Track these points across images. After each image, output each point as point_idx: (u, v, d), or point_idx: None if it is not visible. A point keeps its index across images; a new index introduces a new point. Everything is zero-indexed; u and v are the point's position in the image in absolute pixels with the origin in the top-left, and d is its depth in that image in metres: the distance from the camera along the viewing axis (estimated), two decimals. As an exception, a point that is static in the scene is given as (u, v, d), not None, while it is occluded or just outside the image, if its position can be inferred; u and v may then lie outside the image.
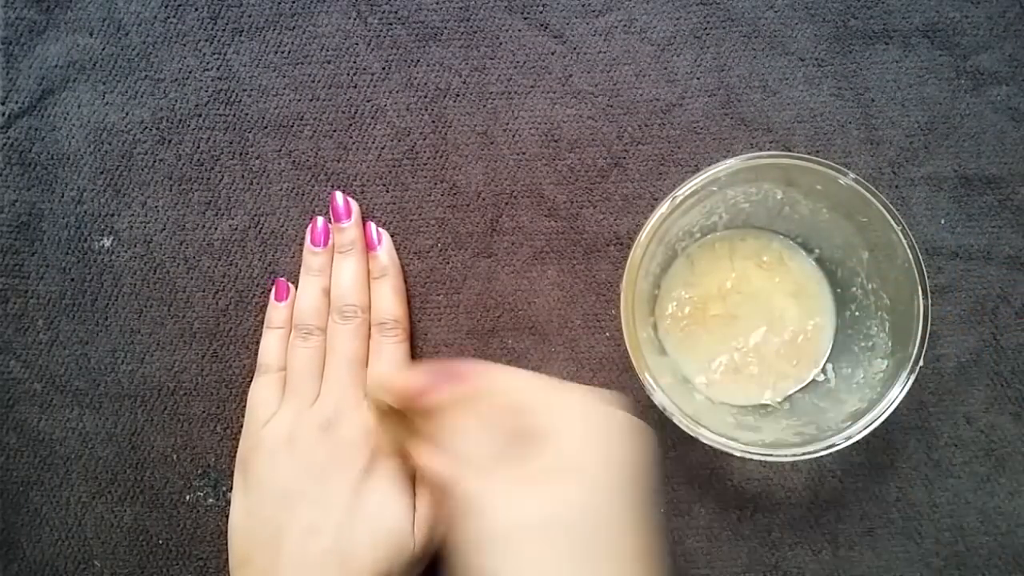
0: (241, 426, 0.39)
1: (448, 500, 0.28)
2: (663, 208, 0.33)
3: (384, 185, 0.41)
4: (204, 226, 0.41)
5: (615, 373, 0.40)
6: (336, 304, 0.39)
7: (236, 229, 0.41)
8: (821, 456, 0.32)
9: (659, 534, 0.27)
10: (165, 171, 0.41)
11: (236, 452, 0.39)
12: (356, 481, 0.36)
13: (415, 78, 0.41)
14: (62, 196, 0.41)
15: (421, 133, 0.41)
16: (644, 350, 0.33)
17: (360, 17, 0.41)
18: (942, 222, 0.40)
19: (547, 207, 0.41)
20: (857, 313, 0.37)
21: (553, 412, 0.28)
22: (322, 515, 0.35)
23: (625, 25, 0.41)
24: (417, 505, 0.36)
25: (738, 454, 0.32)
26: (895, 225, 0.33)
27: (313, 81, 0.41)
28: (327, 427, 0.37)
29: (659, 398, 0.33)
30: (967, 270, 0.40)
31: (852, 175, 0.33)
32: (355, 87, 0.41)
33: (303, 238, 0.40)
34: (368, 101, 0.41)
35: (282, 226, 0.41)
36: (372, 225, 0.40)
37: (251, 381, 0.39)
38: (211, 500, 0.40)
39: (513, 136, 0.41)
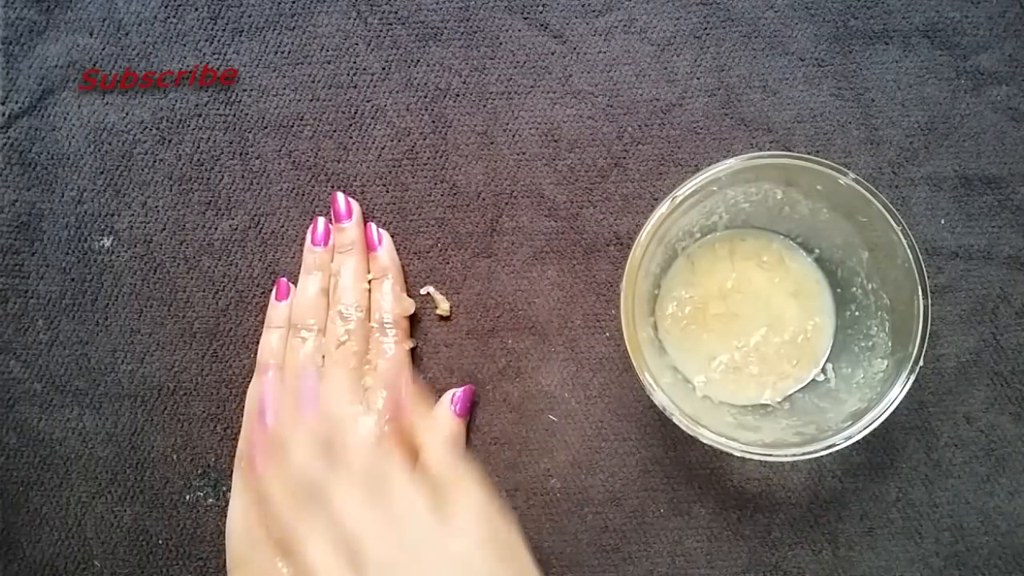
0: (241, 426, 0.39)
1: None
2: (663, 208, 0.33)
3: (384, 185, 0.41)
4: (204, 226, 0.41)
5: (615, 373, 0.40)
6: (335, 304, 0.39)
7: (236, 229, 0.41)
8: (821, 456, 0.32)
9: None
10: (165, 171, 0.41)
11: (236, 452, 0.39)
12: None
13: (415, 78, 0.41)
14: (62, 196, 0.41)
15: (421, 133, 0.41)
16: (644, 350, 0.33)
17: (360, 17, 0.41)
18: (942, 222, 0.40)
19: (547, 207, 0.41)
20: (857, 313, 0.37)
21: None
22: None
23: (625, 25, 0.41)
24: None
25: (738, 454, 0.32)
26: (895, 225, 0.33)
27: (313, 81, 0.41)
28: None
29: (659, 398, 0.33)
30: (967, 270, 0.40)
31: (852, 175, 0.33)
32: (355, 87, 0.41)
33: (303, 238, 0.40)
34: (368, 101, 0.41)
35: (282, 226, 0.41)
36: (373, 226, 0.40)
37: (251, 381, 0.39)
38: (211, 500, 0.40)
39: (513, 136, 0.41)
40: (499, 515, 0.32)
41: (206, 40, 0.41)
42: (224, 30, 0.41)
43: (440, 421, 0.38)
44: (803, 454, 0.32)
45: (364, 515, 0.30)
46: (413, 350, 0.40)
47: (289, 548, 0.31)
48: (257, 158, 0.41)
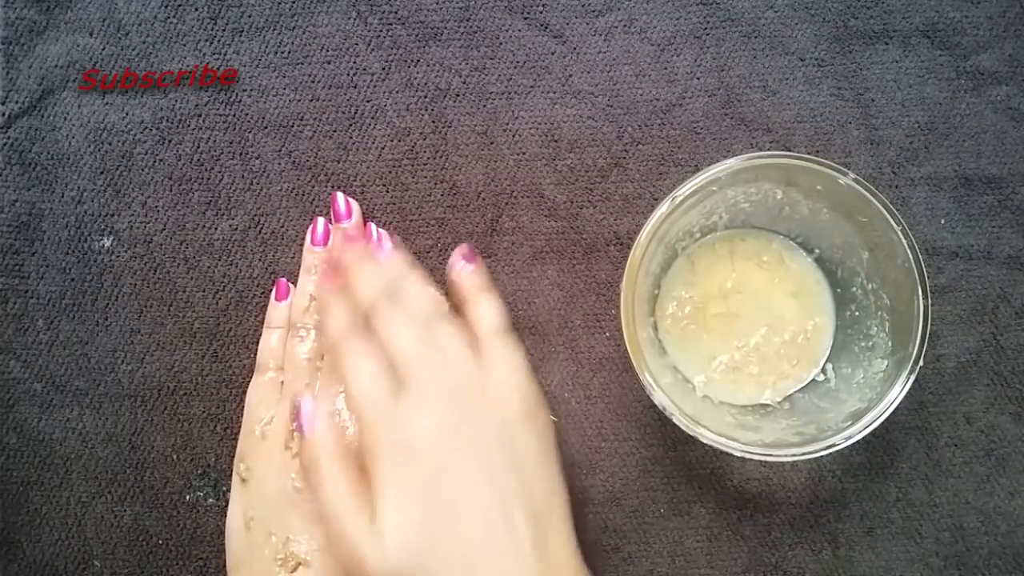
0: (241, 426, 0.39)
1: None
2: (663, 208, 0.33)
3: (384, 185, 0.41)
4: (204, 226, 0.41)
5: (615, 373, 0.40)
6: (336, 304, 0.39)
7: (236, 229, 0.41)
8: (821, 456, 0.32)
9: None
10: (165, 171, 0.41)
11: (236, 452, 0.39)
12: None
13: (415, 78, 0.41)
14: (62, 196, 0.41)
15: (421, 133, 0.41)
16: (644, 350, 0.33)
17: (360, 17, 0.41)
18: (942, 222, 0.40)
19: (547, 207, 0.41)
20: (857, 313, 0.37)
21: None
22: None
23: (625, 25, 0.41)
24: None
25: (738, 454, 0.32)
26: (895, 225, 0.33)
27: (313, 81, 0.41)
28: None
29: (659, 398, 0.33)
30: (967, 270, 0.40)
31: (852, 175, 0.33)
32: (355, 87, 0.41)
33: (303, 238, 0.40)
34: (368, 101, 0.41)
35: (282, 226, 0.41)
36: (372, 226, 0.40)
37: (251, 381, 0.39)
38: (211, 500, 0.40)
39: (513, 136, 0.41)
40: (536, 391, 0.32)
41: (206, 40, 0.41)
42: (224, 30, 0.41)
43: (460, 281, 0.37)
44: (803, 454, 0.32)
45: (411, 344, 0.31)
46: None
47: (337, 370, 0.32)
48: (257, 158, 0.41)
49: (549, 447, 0.31)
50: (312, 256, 0.40)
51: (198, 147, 0.41)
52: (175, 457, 0.40)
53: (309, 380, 0.38)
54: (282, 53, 0.41)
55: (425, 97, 0.41)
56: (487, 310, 0.34)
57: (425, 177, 0.41)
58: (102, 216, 0.41)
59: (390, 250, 0.36)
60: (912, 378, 0.33)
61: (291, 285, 0.40)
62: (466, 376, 0.31)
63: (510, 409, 0.30)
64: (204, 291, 0.41)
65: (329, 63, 0.41)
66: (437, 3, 0.41)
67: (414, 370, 0.30)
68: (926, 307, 0.33)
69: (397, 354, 0.31)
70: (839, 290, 0.38)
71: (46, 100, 0.41)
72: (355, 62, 0.41)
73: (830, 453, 0.32)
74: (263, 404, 0.38)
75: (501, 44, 0.41)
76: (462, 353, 0.31)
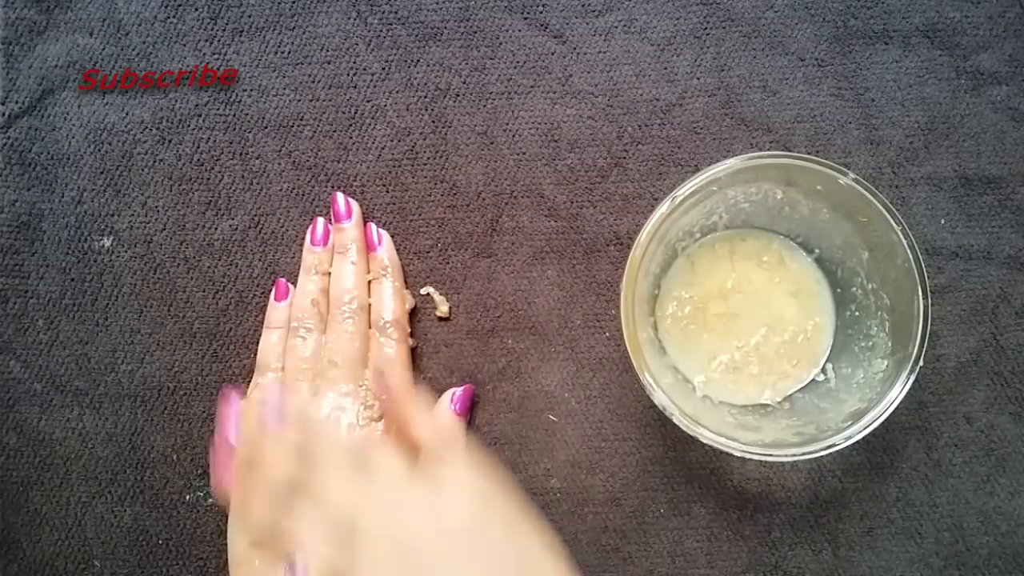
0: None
1: None
2: (663, 208, 0.33)
3: (384, 185, 0.41)
4: (204, 226, 0.41)
5: (615, 373, 0.40)
6: (335, 304, 0.39)
7: (236, 229, 0.41)
8: (821, 456, 0.32)
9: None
10: (165, 171, 0.41)
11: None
12: (356, 481, 0.36)
13: (415, 78, 0.41)
14: (62, 196, 0.41)
15: (421, 133, 0.41)
16: (644, 350, 0.33)
17: (360, 17, 0.41)
18: (942, 222, 0.40)
19: (547, 207, 0.41)
20: (857, 313, 0.37)
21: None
22: (321, 514, 0.35)
23: (625, 25, 0.41)
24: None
25: (738, 454, 0.32)
26: (895, 225, 0.33)
27: (313, 81, 0.41)
28: (325, 427, 0.37)
29: (659, 398, 0.33)
30: (967, 270, 0.40)
31: (852, 175, 0.33)
32: (355, 87, 0.41)
33: (303, 238, 0.40)
34: (368, 101, 0.41)
35: (282, 226, 0.41)
36: (372, 226, 0.40)
37: (251, 381, 0.39)
38: (211, 500, 0.40)
39: (513, 136, 0.41)
40: (493, 486, 0.31)
41: (206, 40, 0.41)
42: (224, 30, 0.41)
43: (439, 420, 0.38)
44: (803, 454, 0.32)
45: (350, 491, 0.30)
46: (413, 350, 0.40)
47: (281, 545, 0.31)
48: (257, 158, 0.41)
49: (520, 532, 0.30)
50: (312, 256, 0.40)
51: (198, 147, 0.41)
52: (175, 457, 0.40)
53: (308, 380, 0.38)
54: (282, 53, 0.41)
55: (425, 97, 0.41)
56: (419, 421, 0.33)
57: (425, 177, 0.41)
58: (102, 216, 0.41)
59: (277, 410, 0.34)
60: (912, 378, 0.33)
61: (291, 285, 0.40)
62: (415, 501, 0.30)
63: (469, 519, 0.29)
64: (204, 291, 0.41)
65: (329, 63, 0.41)
66: (437, 3, 0.41)
67: (359, 518, 0.29)
68: (926, 307, 0.33)
69: (336, 506, 0.30)
70: (839, 290, 0.38)
71: (46, 100, 0.41)
72: (355, 62, 0.41)
73: (830, 453, 0.32)
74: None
75: (501, 44, 0.41)
76: (402, 478, 0.30)
